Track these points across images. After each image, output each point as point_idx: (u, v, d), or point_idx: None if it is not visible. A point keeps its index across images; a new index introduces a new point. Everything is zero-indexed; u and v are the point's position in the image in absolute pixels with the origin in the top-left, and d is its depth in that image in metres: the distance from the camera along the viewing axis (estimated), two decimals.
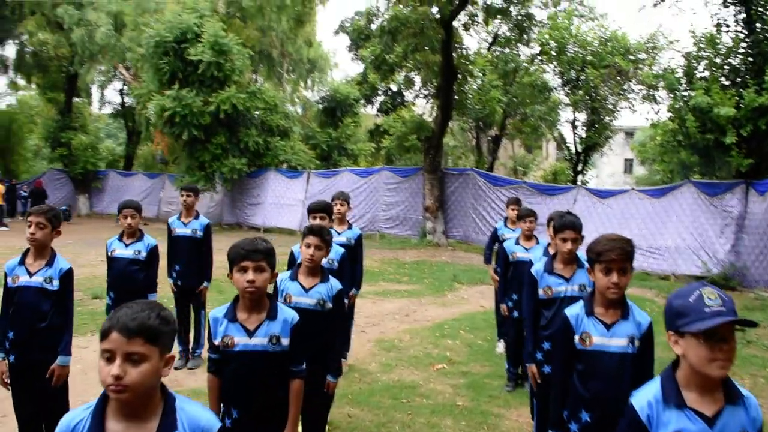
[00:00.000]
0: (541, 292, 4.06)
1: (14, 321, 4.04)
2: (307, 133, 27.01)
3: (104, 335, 1.77)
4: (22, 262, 4.08)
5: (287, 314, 3.01)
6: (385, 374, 6.52)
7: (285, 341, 2.96)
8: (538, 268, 4.13)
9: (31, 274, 4.02)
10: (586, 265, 3.11)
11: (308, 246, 3.82)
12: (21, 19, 28.29)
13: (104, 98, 36.13)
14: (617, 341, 2.90)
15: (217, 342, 2.95)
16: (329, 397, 4.09)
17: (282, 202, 22.12)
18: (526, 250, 6.07)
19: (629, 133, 50.47)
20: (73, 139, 29.03)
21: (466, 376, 6.55)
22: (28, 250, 4.09)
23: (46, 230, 4.00)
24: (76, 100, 31.82)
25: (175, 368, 6.54)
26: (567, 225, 4.01)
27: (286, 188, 22.17)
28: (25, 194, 25.49)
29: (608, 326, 2.93)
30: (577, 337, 2.94)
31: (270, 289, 3.19)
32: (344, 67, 59.71)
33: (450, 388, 6.13)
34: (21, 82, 33.26)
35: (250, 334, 2.91)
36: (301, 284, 3.84)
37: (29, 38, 29.20)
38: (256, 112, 22.88)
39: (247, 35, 24.71)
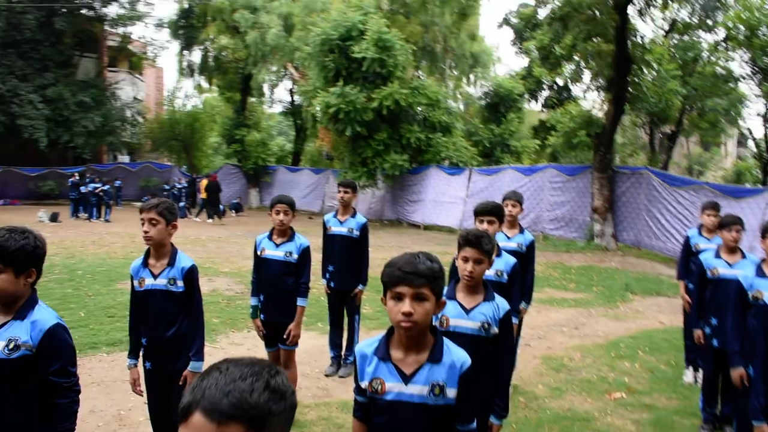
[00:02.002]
0: None
1: (145, 327, 3.83)
2: (469, 129, 26.47)
3: (184, 414, 1.17)
4: (145, 264, 3.81)
5: (456, 356, 2.29)
6: (555, 400, 5.77)
7: (451, 392, 2.25)
8: None
9: (155, 276, 3.75)
10: None
11: (465, 260, 3.12)
12: (204, 25, 30.41)
13: (274, 97, 38.00)
14: None
15: (363, 384, 2.33)
16: None
17: (442, 200, 21.70)
18: (730, 265, 5.04)
19: None
20: (246, 136, 30.69)
21: (650, 410, 5.63)
22: (149, 249, 3.81)
23: (160, 226, 3.66)
24: (250, 99, 33.67)
25: (326, 375, 6.25)
26: None
27: (447, 185, 21.71)
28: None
29: None
30: None
31: None
32: (507, 62, 58.30)
33: (631, 425, 5.26)
34: (204, 84, 35.87)
35: (407, 379, 2.25)
36: (460, 304, 3.14)
37: (211, 43, 31.38)
38: (419, 108, 22.68)
39: (410, 31, 24.60)
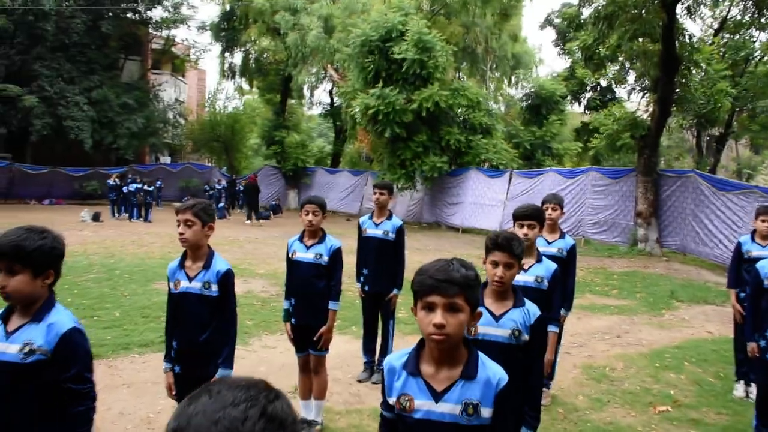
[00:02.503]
0: None
1: (177, 330, 3.74)
2: (510, 131, 26.10)
3: None
4: (181, 266, 3.71)
5: (492, 372, 2.10)
6: (595, 413, 5.52)
7: (485, 412, 2.05)
8: None
9: (190, 279, 3.65)
10: None
11: (495, 264, 2.95)
12: (245, 28, 30.71)
13: (314, 99, 38.26)
14: None
15: (391, 400, 2.14)
16: None
17: (482, 202, 21.42)
18: None
19: None
20: (285, 138, 30.84)
21: (697, 425, 5.34)
22: (186, 251, 3.72)
23: (195, 227, 3.56)
24: (290, 101, 33.86)
25: (358, 381, 6.10)
26: None
27: (487, 188, 21.42)
28: (242, 189, 27.52)
29: None
30: None
31: None
32: (549, 63, 57.67)
33: None
34: (245, 86, 36.22)
35: (437, 397, 2.06)
36: (489, 310, 2.96)
37: (252, 45, 31.67)
38: (459, 110, 22.43)
39: (450, 32, 24.41)
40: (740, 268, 6.18)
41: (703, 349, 7.86)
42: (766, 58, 22.58)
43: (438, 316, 1.97)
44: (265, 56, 32.69)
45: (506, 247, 2.96)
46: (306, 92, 35.23)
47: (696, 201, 16.11)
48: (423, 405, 2.07)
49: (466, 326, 2.05)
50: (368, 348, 6.30)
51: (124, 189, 23.15)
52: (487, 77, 29.72)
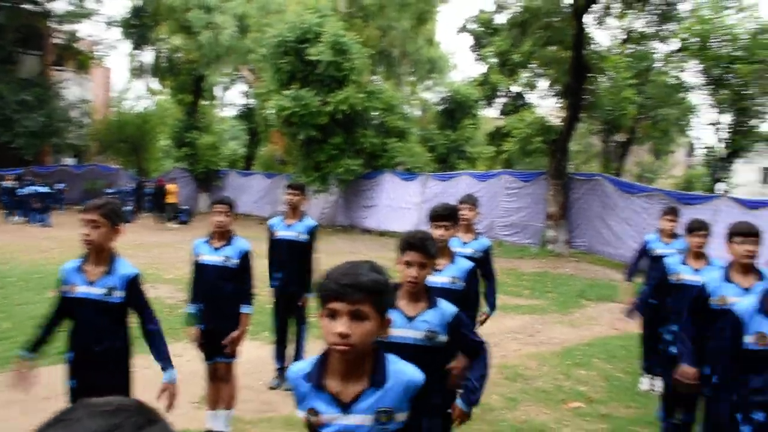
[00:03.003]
0: (750, 340, 2.94)
1: (73, 340, 3.44)
2: (425, 134, 26.30)
3: None
4: (80, 269, 3.43)
5: (402, 375, 1.98)
6: (510, 412, 5.54)
7: (401, 416, 1.96)
8: (745, 306, 2.99)
9: (90, 284, 3.38)
10: None
11: (408, 264, 2.86)
12: (157, 24, 29.59)
13: (227, 100, 37.37)
14: None
15: (300, 414, 2.00)
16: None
17: (397, 205, 21.45)
18: (695, 271, 4.89)
19: None
20: (197, 139, 29.89)
21: (607, 419, 5.45)
22: (87, 253, 3.44)
23: (102, 229, 3.31)
24: (202, 102, 32.86)
25: (271, 388, 5.88)
26: None
27: (402, 190, 21.48)
28: (150, 191, 26.42)
29: None
30: None
31: None
32: (465, 68, 58.91)
33: None
34: (156, 86, 34.92)
35: (346, 408, 1.92)
36: (402, 312, 2.87)
37: (164, 43, 30.53)
38: (374, 113, 22.39)
39: (367, 35, 24.31)
40: (640, 263, 6.51)
41: (610, 346, 8.12)
42: (665, 68, 23.69)
43: (341, 325, 1.81)
44: (177, 55, 31.58)
45: (420, 246, 2.87)
46: (219, 93, 34.35)
47: (603, 203, 16.73)
48: (331, 419, 1.94)
49: (374, 336, 1.90)
50: (280, 354, 6.10)
51: (20, 191, 21.73)
52: (403, 81, 29.88)
